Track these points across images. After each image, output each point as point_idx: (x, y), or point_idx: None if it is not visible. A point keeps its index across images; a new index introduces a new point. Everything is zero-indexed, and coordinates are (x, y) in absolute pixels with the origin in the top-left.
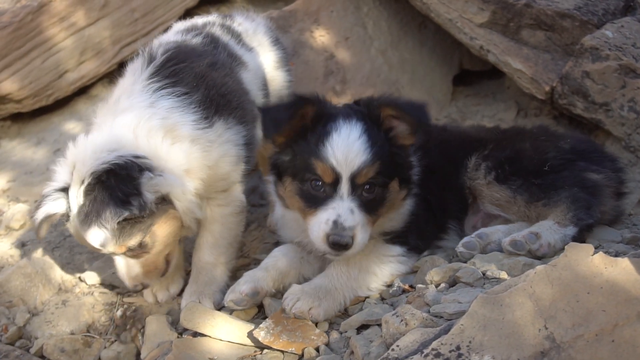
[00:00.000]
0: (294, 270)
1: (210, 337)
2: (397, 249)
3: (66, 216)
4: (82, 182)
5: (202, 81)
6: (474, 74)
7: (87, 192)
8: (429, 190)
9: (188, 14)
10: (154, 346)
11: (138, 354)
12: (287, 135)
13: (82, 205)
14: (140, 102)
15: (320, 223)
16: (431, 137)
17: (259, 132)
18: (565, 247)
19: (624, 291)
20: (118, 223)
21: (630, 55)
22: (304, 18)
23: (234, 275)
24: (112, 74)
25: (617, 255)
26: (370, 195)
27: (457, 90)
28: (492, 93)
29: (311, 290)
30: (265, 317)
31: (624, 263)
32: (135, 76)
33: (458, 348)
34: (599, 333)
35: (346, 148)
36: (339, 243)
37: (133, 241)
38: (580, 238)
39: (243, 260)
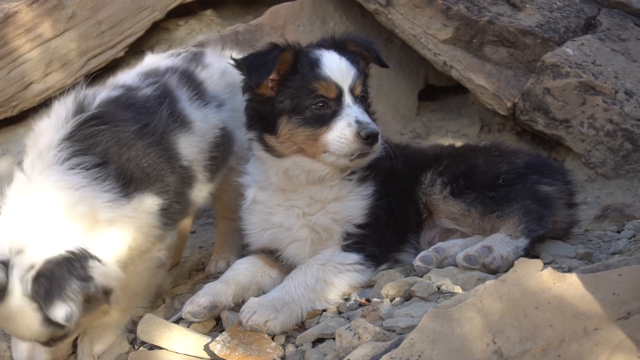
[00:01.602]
0: (254, 284)
1: (166, 349)
2: (353, 257)
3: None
4: (32, 267)
5: (124, 151)
6: (440, 89)
7: (37, 277)
8: (391, 194)
9: (156, 27)
10: (112, 358)
11: None
12: (276, 79)
13: (39, 282)
14: (53, 182)
15: (342, 129)
16: (396, 151)
17: (195, 192)
18: (515, 262)
19: (572, 306)
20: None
21: (590, 72)
22: (270, 32)
23: (194, 288)
24: (78, 86)
25: (569, 270)
26: (364, 106)
27: (423, 105)
28: (456, 108)
29: (268, 302)
30: (222, 330)
31: (572, 278)
32: (53, 131)
33: None
34: (545, 348)
35: (339, 65)
36: (371, 134)
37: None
38: (532, 249)
39: (202, 274)
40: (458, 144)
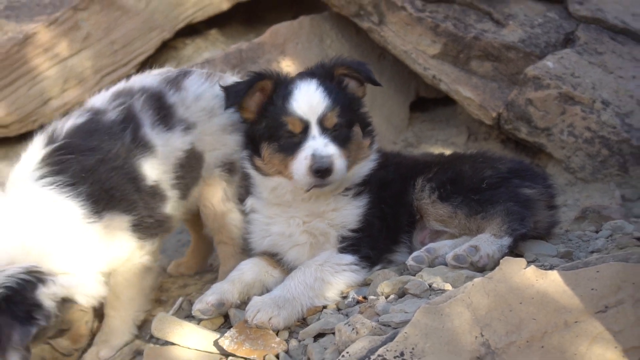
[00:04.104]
0: (258, 282)
1: (179, 345)
2: (349, 258)
3: None
4: None
5: (89, 175)
6: (429, 101)
7: None
8: (384, 201)
9: (165, 45)
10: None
11: None
12: (257, 106)
13: None
14: (26, 198)
15: (301, 161)
16: (388, 158)
17: (168, 207)
18: (500, 261)
19: (553, 301)
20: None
21: (569, 84)
22: (271, 50)
23: (203, 288)
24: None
25: (551, 268)
26: (338, 133)
27: (414, 116)
28: (445, 119)
29: (270, 300)
30: (230, 327)
31: (554, 275)
32: (28, 159)
33: (402, 354)
34: (529, 340)
35: (309, 99)
36: (321, 168)
37: (49, 333)
38: (515, 247)
39: (211, 274)
40: (447, 152)
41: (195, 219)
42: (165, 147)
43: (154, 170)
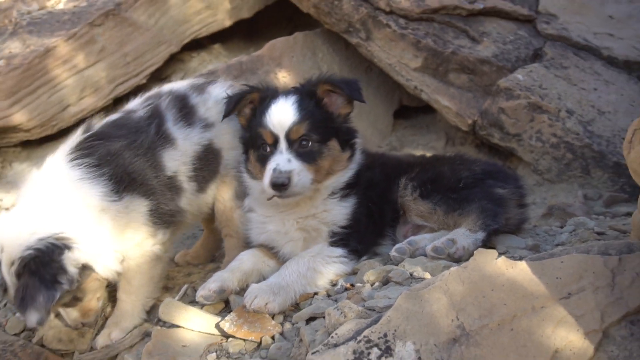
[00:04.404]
0: (256, 271)
1: (183, 327)
2: (339, 251)
3: (3, 287)
4: (12, 263)
5: (113, 158)
6: (411, 109)
7: (18, 274)
8: (371, 199)
9: (172, 58)
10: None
11: None
12: (246, 116)
13: (17, 289)
14: (57, 175)
15: (267, 172)
16: (374, 159)
17: (183, 200)
18: (474, 252)
19: (522, 288)
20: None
21: (537, 95)
22: (269, 62)
23: (206, 276)
24: (108, 108)
25: (520, 259)
26: (306, 148)
27: (397, 123)
28: (426, 125)
29: (267, 287)
30: (230, 311)
31: (522, 265)
32: (67, 144)
33: (385, 335)
34: (500, 323)
35: (280, 114)
36: (277, 183)
37: (65, 300)
38: (488, 240)
39: (214, 264)
40: (428, 154)
41: (210, 216)
42: (185, 140)
43: (173, 161)
